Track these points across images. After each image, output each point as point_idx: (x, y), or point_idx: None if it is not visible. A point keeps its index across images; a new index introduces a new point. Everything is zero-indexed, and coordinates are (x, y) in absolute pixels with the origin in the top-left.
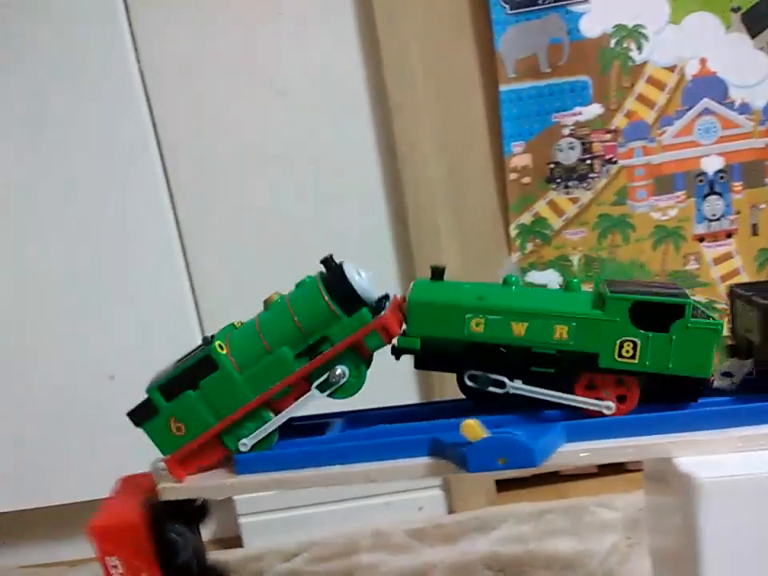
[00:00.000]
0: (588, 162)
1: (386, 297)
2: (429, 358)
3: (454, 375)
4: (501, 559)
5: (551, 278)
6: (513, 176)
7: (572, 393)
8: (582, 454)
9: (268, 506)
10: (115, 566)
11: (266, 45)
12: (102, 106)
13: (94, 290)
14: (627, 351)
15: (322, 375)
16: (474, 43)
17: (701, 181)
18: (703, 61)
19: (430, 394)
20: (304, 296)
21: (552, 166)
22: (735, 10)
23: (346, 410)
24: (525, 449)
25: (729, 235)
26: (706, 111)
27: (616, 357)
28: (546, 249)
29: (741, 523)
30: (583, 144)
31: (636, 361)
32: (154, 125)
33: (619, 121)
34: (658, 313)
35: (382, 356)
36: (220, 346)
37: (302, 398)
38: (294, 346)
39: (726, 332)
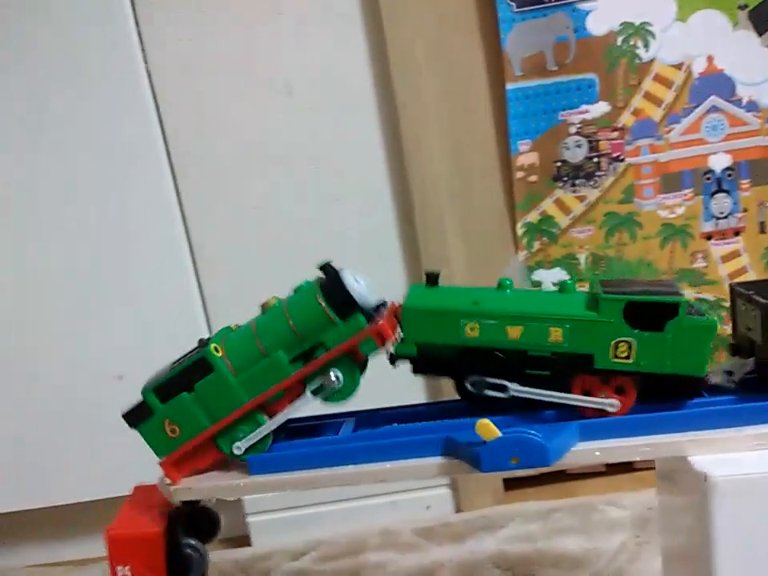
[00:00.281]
0: (595, 160)
1: (383, 303)
2: (425, 363)
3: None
4: (509, 558)
5: (558, 277)
6: (519, 174)
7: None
8: (596, 453)
9: (276, 505)
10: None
11: (271, 44)
12: (106, 105)
13: (99, 290)
14: (622, 352)
15: (316, 379)
16: (481, 41)
17: (708, 178)
18: (710, 58)
19: (439, 393)
20: (301, 301)
21: (559, 164)
22: (742, 7)
23: (356, 410)
24: (539, 448)
25: (736, 233)
26: (714, 109)
27: (611, 357)
28: (552, 247)
29: (755, 522)
30: (590, 142)
31: (631, 361)
32: (161, 122)
33: (626, 119)
34: (652, 312)
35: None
36: (215, 349)
37: (296, 402)
38: (289, 350)
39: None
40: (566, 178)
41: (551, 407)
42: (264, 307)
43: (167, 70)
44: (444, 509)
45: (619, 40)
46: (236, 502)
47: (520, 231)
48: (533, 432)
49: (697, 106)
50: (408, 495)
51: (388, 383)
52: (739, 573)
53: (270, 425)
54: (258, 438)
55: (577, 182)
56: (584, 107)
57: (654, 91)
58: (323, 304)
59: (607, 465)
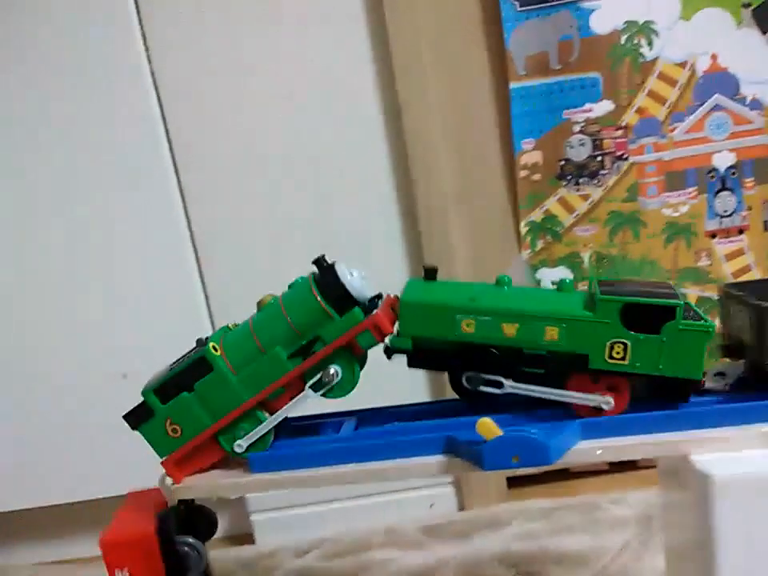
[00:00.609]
0: (599, 158)
1: (379, 296)
2: (420, 357)
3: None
4: (513, 556)
5: (562, 276)
6: (523, 173)
7: None
8: (598, 452)
9: (280, 503)
10: None
11: (273, 43)
12: (110, 104)
13: (102, 289)
14: (618, 353)
15: (315, 375)
16: (484, 40)
17: (712, 177)
18: (714, 57)
19: (441, 392)
20: (296, 296)
21: (562, 162)
22: (746, 5)
23: (357, 408)
24: (540, 446)
25: (741, 231)
26: (718, 107)
27: (606, 358)
28: (556, 246)
29: (757, 521)
30: (594, 141)
31: (626, 362)
32: (164, 121)
33: (630, 117)
34: (648, 314)
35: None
36: (214, 348)
37: (296, 398)
38: (287, 347)
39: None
40: (569, 177)
41: (546, 405)
42: (260, 305)
43: (170, 69)
44: (448, 507)
45: (623, 39)
46: (240, 500)
47: (523, 230)
48: (533, 431)
49: (701, 105)
50: (412, 493)
51: (389, 382)
52: (741, 570)
53: (270, 422)
54: (259, 436)
55: (580, 180)
56: (588, 106)
57: (658, 90)
58: (318, 298)
59: (610, 463)
